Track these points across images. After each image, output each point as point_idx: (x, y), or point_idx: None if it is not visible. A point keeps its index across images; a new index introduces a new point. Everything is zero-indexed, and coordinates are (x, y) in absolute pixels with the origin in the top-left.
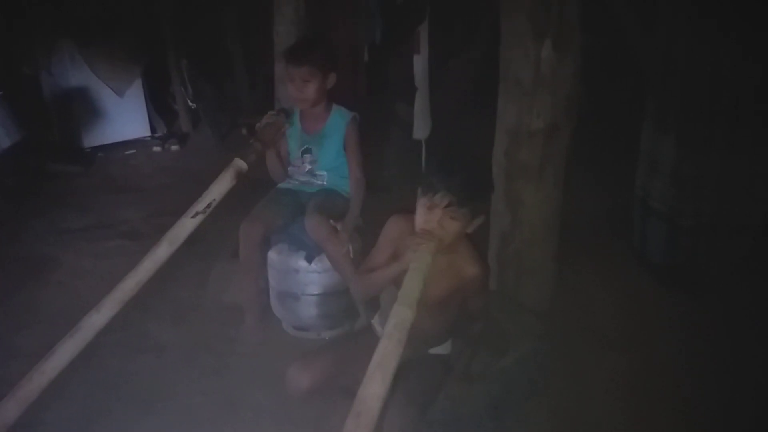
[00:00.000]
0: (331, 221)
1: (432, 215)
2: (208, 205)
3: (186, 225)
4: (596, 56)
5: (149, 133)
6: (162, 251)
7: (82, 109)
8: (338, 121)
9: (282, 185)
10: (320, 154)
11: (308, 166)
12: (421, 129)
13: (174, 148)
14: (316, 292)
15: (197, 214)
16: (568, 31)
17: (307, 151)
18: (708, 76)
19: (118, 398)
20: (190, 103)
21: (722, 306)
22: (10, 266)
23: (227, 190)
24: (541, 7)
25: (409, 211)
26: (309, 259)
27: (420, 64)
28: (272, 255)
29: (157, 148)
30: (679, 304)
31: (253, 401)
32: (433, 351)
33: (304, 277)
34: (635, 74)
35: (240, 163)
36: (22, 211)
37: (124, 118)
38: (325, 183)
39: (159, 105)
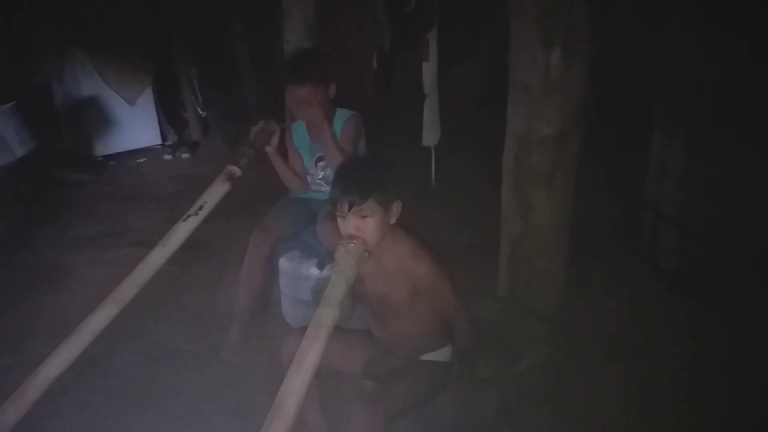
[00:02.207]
0: None
1: (346, 222)
2: (200, 208)
3: (179, 228)
4: (605, 62)
5: (160, 142)
6: (156, 255)
7: (93, 117)
8: (341, 123)
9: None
10: None
11: (321, 173)
12: (430, 136)
13: (184, 156)
14: None
15: (189, 217)
16: (577, 38)
17: (320, 159)
18: (716, 81)
19: (130, 405)
20: (200, 111)
21: (732, 311)
22: (22, 273)
23: (221, 195)
24: (550, 14)
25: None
26: (321, 266)
27: (429, 71)
28: (284, 262)
29: (167, 156)
30: (690, 309)
31: (266, 408)
32: (427, 358)
33: (315, 284)
34: (644, 80)
35: (233, 169)
36: (34, 218)
37: (135, 127)
38: None
39: (169, 113)
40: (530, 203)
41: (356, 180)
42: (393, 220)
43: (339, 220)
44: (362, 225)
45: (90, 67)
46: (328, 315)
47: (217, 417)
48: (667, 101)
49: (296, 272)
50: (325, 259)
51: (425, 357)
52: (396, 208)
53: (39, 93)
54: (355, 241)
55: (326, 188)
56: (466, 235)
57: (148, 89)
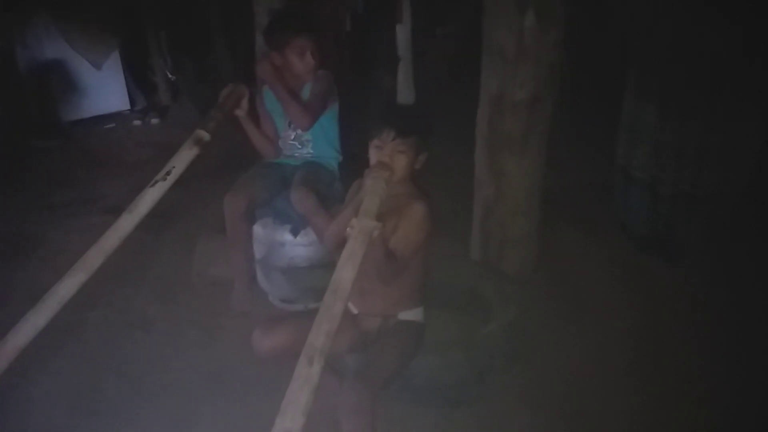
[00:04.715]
0: None
1: (383, 151)
2: (168, 173)
3: (147, 194)
4: (579, 27)
5: (128, 107)
6: (124, 222)
7: (58, 82)
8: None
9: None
10: None
11: (293, 133)
12: (405, 97)
13: (154, 121)
14: (302, 265)
15: (156, 182)
16: (551, 2)
17: None
18: (689, 45)
19: (105, 374)
20: (170, 76)
21: (701, 272)
22: None
23: (189, 160)
24: None
25: None
26: (294, 232)
27: (403, 33)
28: (258, 228)
29: (137, 122)
30: (660, 270)
31: (241, 374)
32: (404, 317)
33: (289, 250)
34: (618, 44)
35: (201, 133)
36: (1, 186)
37: (102, 92)
38: (312, 151)
39: (138, 77)
40: (503, 168)
41: (407, 117)
42: (417, 166)
43: (374, 150)
44: (396, 158)
45: (54, 29)
46: (368, 224)
47: (193, 383)
48: (639, 65)
49: (270, 238)
50: (298, 224)
51: (402, 316)
52: (423, 157)
53: (1, 58)
54: (386, 169)
55: (299, 152)
56: (440, 199)
57: (114, 52)
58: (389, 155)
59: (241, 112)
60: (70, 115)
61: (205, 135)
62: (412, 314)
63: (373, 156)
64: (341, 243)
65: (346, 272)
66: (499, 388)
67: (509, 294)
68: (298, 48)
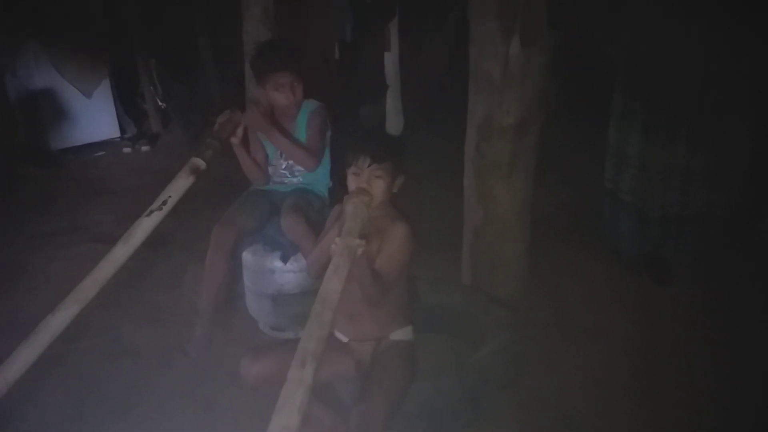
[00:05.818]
0: None
1: (360, 177)
2: (164, 203)
3: (142, 224)
4: (565, 52)
5: (119, 134)
6: (119, 251)
7: (48, 110)
8: (307, 113)
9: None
10: None
11: (285, 163)
12: (393, 126)
13: (144, 148)
14: (292, 292)
15: (152, 212)
16: (536, 27)
17: None
18: (673, 68)
19: (95, 404)
20: (160, 103)
21: (690, 293)
22: None
23: (185, 188)
24: (509, 4)
25: None
26: (284, 259)
27: (391, 61)
28: (247, 256)
29: (127, 150)
30: (649, 292)
31: (232, 403)
32: (396, 337)
33: (279, 277)
34: (604, 69)
35: (197, 161)
36: None
37: (92, 119)
38: (302, 179)
39: (128, 105)
40: (491, 192)
41: (381, 143)
42: (395, 190)
43: (352, 177)
44: (373, 183)
45: (44, 58)
46: (352, 242)
47: (183, 413)
48: (625, 89)
49: (260, 266)
50: (288, 251)
51: (394, 336)
52: (400, 181)
53: None
54: (365, 194)
55: (289, 179)
56: (430, 223)
57: (105, 80)
58: (367, 181)
59: (235, 140)
60: (59, 143)
61: (201, 163)
62: (402, 333)
63: (352, 183)
64: (324, 269)
65: (332, 284)
66: (493, 413)
67: (501, 317)
68: (278, 84)
